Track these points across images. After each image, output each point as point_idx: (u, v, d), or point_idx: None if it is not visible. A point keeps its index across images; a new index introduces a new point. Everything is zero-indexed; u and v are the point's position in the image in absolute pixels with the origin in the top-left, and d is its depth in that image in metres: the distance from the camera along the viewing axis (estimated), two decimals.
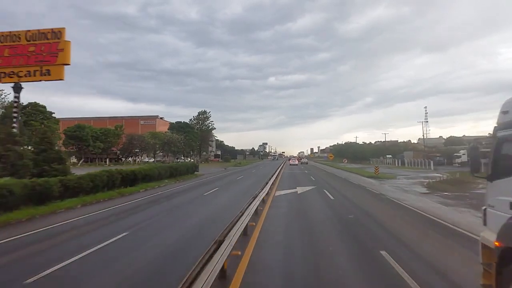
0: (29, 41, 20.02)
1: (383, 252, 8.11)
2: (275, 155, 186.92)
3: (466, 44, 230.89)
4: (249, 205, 11.11)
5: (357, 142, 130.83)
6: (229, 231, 7.29)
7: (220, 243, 6.30)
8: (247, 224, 9.44)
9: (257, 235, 9.85)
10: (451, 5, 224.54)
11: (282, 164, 69.98)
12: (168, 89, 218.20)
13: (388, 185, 28.49)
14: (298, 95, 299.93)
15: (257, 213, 12.70)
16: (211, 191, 22.65)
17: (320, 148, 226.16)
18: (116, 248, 8.93)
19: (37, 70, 19.84)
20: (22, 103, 58.99)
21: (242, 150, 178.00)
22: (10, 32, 20.40)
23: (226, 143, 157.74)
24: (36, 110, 60.45)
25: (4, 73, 20.47)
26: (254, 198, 12.78)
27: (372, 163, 77.85)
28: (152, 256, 8.12)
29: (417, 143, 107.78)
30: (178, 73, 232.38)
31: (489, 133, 78.79)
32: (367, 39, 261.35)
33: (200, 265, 5.25)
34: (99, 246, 8.77)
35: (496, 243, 4.53)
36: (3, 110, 47.37)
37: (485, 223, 5.10)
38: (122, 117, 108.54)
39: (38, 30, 20.13)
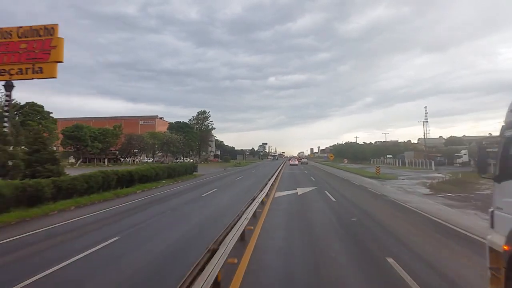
0: (20, 38, 19.36)
1: (390, 260, 7.54)
2: (275, 155, 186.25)
3: (466, 44, 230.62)
4: (247, 208, 10.55)
5: (357, 142, 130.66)
6: (224, 237, 6.73)
7: (213, 251, 5.74)
8: (244, 229, 8.88)
9: (255, 240, 9.26)
10: (451, 5, 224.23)
11: (282, 164, 69.60)
12: (168, 89, 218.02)
13: (390, 186, 27.98)
14: (298, 95, 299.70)
15: (255, 215, 12.16)
16: (209, 192, 22.16)
17: (320, 148, 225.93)
18: (103, 255, 8.35)
19: (29, 68, 19.19)
20: (19, 102, 58.89)
21: (242, 150, 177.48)
22: (1, 28, 19.77)
23: (226, 143, 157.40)
24: (34, 110, 59.81)
25: None
26: (253, 200, 12.22)
27: (372, 163, 77.50)
28: (141, 265, 7.52)
29: (417, 143, 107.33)
30: (178, 73, 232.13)
31: (489, 133, 78.64)
32: (367, 39, 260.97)
33: (190, 278, 4.70)
34: (84, 254, 8.16)
35: (505, 247, 4.32)
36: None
37: (492, 226, 4.91)
38: (121, 117, 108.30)
39: (30, 26, 19.48)
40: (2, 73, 19.44)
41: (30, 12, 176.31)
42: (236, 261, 6.93)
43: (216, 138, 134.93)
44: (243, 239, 8.83)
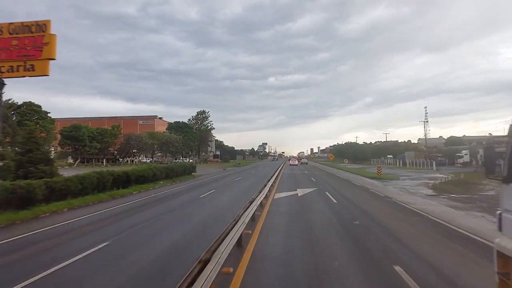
0: (11, 34, 18.72)
1: (397, 268, 7.02)
2: (275, 155, 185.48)
3: (466, 44, 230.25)
4: (245, 211, 9.99)
5: (357, 142, 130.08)
6: (219, 245, 6.18)
7: (205, 262, 5.20)
8: (241, 234, 8.34)
9: (253, 246, 8.71)
10: (451, 5, 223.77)
11: (282, 165, 69.11)
12: (168, 89, 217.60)
13: (392, 186, 27.44)
14: (298, 95, 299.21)
15: (254, 218, 11.64)
16: (207, 193, 21.63)
17: (320, 148, 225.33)
18: (91, 262, 7.81)
19: (21, 65, 18.58)
20: (17, 102, 58.41)
21: (241, 150, 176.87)
22: None
23: (225, 144, 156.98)
24: (31, 110, 59.27)
25: None
26: (251, 202, 11.66)
27: (373, 163, 76.98)
28: (129, 275, 6.98)
29: (418, 143, 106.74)
30: (178, 73, 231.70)
31: (489, 133, 78.18)
32: (367, 39, 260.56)
33: None
34: (71, 261, 7.63)
35: None
36: None
37: (500, 229, 4.72)
38: (120, 117, 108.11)
39: (22, 22, 18.86)
40: None
41: (30, 12, 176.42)
42: (231, 270, 6.40)
43: (215, 138, 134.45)
44: (240, 245, 8.30)
